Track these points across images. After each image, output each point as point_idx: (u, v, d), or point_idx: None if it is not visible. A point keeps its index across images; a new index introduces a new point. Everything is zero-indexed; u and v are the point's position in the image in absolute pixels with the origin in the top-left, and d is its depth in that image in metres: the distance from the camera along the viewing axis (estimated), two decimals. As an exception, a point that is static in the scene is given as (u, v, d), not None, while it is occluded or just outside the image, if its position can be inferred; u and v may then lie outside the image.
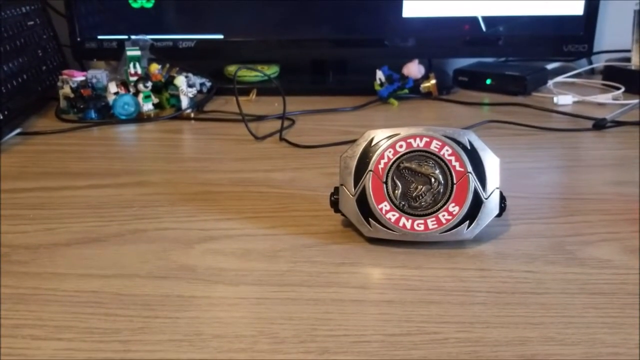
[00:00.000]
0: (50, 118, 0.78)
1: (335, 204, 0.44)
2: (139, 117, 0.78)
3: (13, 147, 0.66)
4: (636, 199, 0.50)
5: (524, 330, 0.33)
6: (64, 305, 0.35)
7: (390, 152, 0.41)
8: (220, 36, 0.92)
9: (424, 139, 0.41)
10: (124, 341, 0.32)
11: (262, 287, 0.37)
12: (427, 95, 0.86)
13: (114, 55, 0.90)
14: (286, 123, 0.73)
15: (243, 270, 0.39)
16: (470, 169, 0.40)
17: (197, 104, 0.82)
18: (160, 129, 0.74)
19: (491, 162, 0.41)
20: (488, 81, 0.91)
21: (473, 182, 0.40)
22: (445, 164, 0.41)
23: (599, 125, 0.71)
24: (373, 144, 0.42)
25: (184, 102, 0.79)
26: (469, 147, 0.41)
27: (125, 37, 0.87)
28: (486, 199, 0.40)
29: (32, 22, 0.84)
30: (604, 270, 0.39)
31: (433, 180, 0.41)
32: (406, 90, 0.85)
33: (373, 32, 0.92)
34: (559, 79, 0.93)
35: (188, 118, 0.78)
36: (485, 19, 0.90)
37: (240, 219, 0.47)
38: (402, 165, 0.41)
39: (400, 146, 0.41)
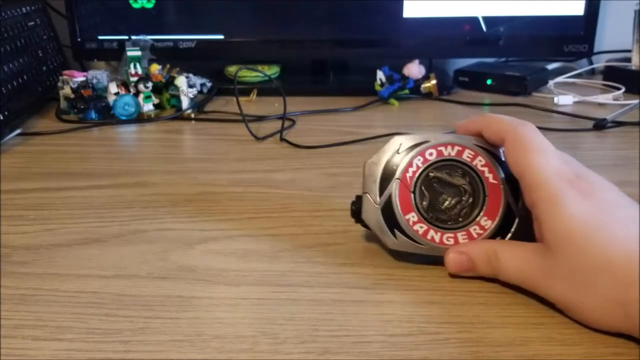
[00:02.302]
0: (51, 118, 0.78)
1: (356, 214, 0.40)
2: (139, 118, 0.78)
3: (13, 148, 0.66)
4: (636, 199, 0.50)
5: (525, 331, 0.33)
6: (64, 306, 0.35)
7: (419, 160, 0.38)
8: (221, 36, 0.92)
9: (456, 148, 0.38)
10: (125, 342, 0.32)
11: (262, 287, 0.37)
12: (428, 95, 0.86)
13: (115, 55, 0.90)
14: (287, 123, 0.73)
15: (244, 271, 0.39)
16: (503, 180, 0.38)
17: (198, 105, 0.82)
18: (160, 130, 0.74)
19: None
20: (488, 81, 0.91)
21: (506, 194, 0.38)
22: (477, 174, 0.38)
23: (600, 125, 0.71)
24: (401, 150, 0.39)
25: (185, 103, 0.79)
26: (502, 158, 0.38)
27: (126, 37, 0.87)
28: (519, 214, 0.38)
29: (32, 23, 0.84)
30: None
31: (464, 191, 0.38)
32: (407, 91, 0.85)
33: (373, 32, 0.92)
34: (560, 79, 0.93)
35: (188, 118, 0.78)
36: (485, 19, 0.90)
37: (241, 219, 0.47)
38: (431, 174, 0.38)
39: (430, 154, 0.38)
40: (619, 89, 0.87)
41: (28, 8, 0.84)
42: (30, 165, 0.61)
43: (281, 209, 0.49)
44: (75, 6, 0.91)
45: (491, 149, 0.38)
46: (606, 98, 0.84)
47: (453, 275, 0.38)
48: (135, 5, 0.91)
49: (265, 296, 0.36)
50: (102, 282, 0.38)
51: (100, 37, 0.93)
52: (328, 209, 0.49)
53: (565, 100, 0.82)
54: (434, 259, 0.38)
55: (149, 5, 0.91)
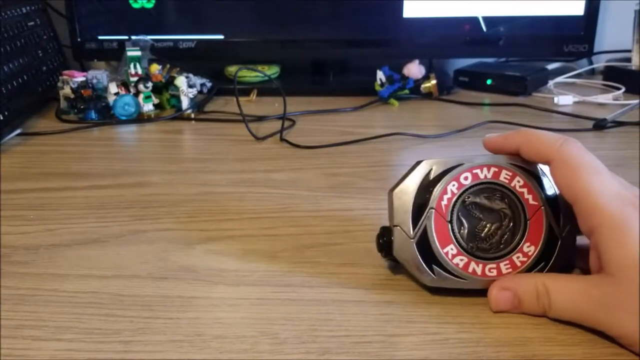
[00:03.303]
0: (51, 118, 0.78)
1: (385, 248, 0.37)
2: (139, 118, 0.78)
3: (13, 148, 0.66)
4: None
5: (524, 331, 0.33)
6: (64, 306, 0.35)
7: (454, 185, 0.36)
8: (221, 36, 0.92)
9: (492, 169, 0.36)
10: (125, 342, 0.32)
11: (262, 287, 0.37)
12: (428, 95, 0.86)
13: (115, 55, 0.90)
14: (286, 123, 0.73)
15: (244, 271, 0.39)
16: (544, 201, 0.35)
17: (198, 105, 0.82)
18: (160, 130, 0.74)
19: None
20: (488, 81, 0.91)
21: (547, 216, 0.35)
22: (517, 197, 0.35)
23: (600, 125, 0.71)
24: (432, 176, 0.36)
25: (185, 103, 0.79)
26: (540, 176, 0.36)
27: (126, 37, 0.87)
28: (562, 236, 0.35)
29: (32, 23, 0.84)
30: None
31: (504, 216, 0.36)
32: (407, 91, 0.85)
33: (373, 32, 0.92)
34: (560, 79, 0.93)
35: (188, 118, 0.78)
36: (485, 19, 0.90)
37: (241, 219, 0.47)
38: (467, 200, 0.36)
39: (465, 178, 0.36)
40: (619, 89, 0.87)
41: (28, 8, 0.84)
42: (30, 165, 0.61)
43: (281, 209, 0.49)
44: (75, 6, 0.91)
45: (528, 167, 0.36)
46: (606, 98, 0.84)
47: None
48: (135, 5, 0.91)
49: (265, 296, 0.36)
50: (102, 282, 0.38)
51: (100, 37, 0.93)
52: (328, 209, 0.49)
53: (565, 100, 0.82)
54: (475, 292, 0.36)
55: (149, 5, 0.91)
